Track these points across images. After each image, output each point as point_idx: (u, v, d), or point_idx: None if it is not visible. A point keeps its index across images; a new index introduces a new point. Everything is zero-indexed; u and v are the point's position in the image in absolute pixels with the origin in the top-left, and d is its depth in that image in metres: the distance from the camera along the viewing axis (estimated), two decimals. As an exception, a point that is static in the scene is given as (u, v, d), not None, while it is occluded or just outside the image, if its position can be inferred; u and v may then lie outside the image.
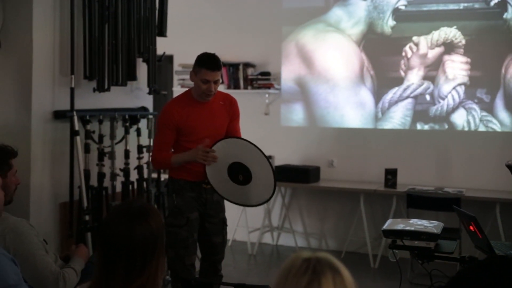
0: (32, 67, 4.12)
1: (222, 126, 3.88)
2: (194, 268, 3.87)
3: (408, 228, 3.41)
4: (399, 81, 6.44)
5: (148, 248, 1.80)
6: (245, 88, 6.93)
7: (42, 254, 2.68)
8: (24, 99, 4.14)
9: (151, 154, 3.88)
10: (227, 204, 6.95)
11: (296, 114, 6.90)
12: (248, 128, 7.03)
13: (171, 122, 3.76)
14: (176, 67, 7.23)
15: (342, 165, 6.71)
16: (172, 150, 3.89)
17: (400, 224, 3.54)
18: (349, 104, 6.65)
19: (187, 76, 7.08)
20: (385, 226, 3.51)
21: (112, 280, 1.76)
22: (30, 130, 4.13)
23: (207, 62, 3.68)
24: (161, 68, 7.34)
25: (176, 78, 7.23)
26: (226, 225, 4.02)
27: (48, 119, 4.27)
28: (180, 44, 7.02)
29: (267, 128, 6.98)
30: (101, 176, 4.47)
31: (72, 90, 4.28)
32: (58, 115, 4.30)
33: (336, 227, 6.73)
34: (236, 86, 6.94)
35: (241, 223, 6.74)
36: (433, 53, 6.30)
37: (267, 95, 6.96)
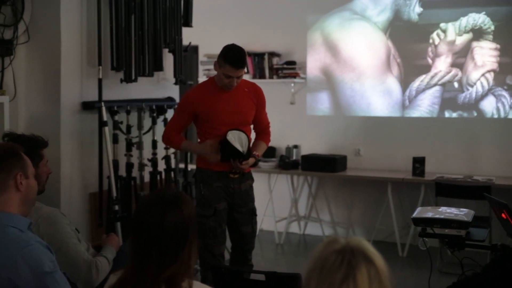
0: (60, 59, 4.15)
1: (248, 113, 3.87)
2: (223, 258, 3.88)
3: (438, 216, 3.39)
4: (427, 68, 6.37)
5: (180, 235, 1.80)
6: (271, 77, 6.91)
7: (74, 243, 2.71)
8: (53, 91, 4.17)
9: (164, 130, 4.04)
10: (255, 194, 6.97)
11: (322, 103, 6.87)
12: (274, 118, 6.99)
13: (188, 107, 3.82)
14: (201, 57, 7.24)
15: (369, 154, 6.66)
16: (198, 140, 3.91)
17: (429, 212, 3.51)
18: (375, 93, 6.59)
19: (212, 66, 7.12)
20: (414, 214, 3.48)
21: (145, 268, 1.77)
22: (59, 121, 4.16)
23: (232, 59, 3.66)
24: (187, 58, 7.36)
25: (201, 68, 7.24)
26: (256, 215, 4.01)
27: (77, 110, 4.30)
28: (205, 34, 7.01)
29: (293, 118, 6.96)
30: (129, 166, 4.49)
31: (100, 81, 4.30)
32: (87, 106, 4.33)
33: (363, 216, 6.70)
34: (262, 76, 6.93)
35: (268, 212, 6.75)
36: (461, 40, 6.22)
37: (292, 85, 6.94)
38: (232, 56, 3.68)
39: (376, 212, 6.46)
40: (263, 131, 4.05)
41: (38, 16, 4.18)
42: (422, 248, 3.47)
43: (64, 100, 4.19)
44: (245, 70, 3.80)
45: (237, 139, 3.73)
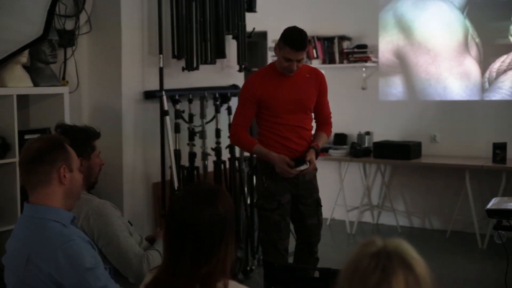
0: (121, 48, 4.13)
1: (309, 99, 3.68)
2: (287, 252, 3.73)
3: (516, 207, 3.12)
4: (508, 48, 5.97)
5: (216, 232, 1.69)
6: (341, 62, 6.69)
7: (125, 236, 2.65)
8: (115, 80, 4.16)
9: (231, 127, 3.71)
10: (325, 182, 6.82)
11: (395, 88, 6.60)
12: (345, 104, 6.85)
13: (252, 95, 3.60)
14: (270, 43, 7.10)
15: (445, 140, 6.35)
16: (259, 130, 3.75)
17: (506, 203, 3.25)
18: (452, 75, 6.27)
19: (281, 52, 6.98)
20: (489, 205, 3.24)
21: (179, 266, 1.67)
22: (121, 111, 4.15)
23: (292, 41, 3.48)
24: (256, 45, 7.25)
25: (270, 54, 7.10)
26: (321, 206, 3.83)
27: (139, 100, 4.27)
28: (273, 19, 6.86)
29: (365, 103, 6.73)
30: (192, 155, 4.43)
31: (161, 69, 4.25)
32: (148, 96, 4.29)
33: (440, 206, 6.39)
34: (332, 61, 6.73)
35: (339, 201, 6.56)
36: (546, 16, 5.79)
37: (364, 69, 6.69)
38: (292, 37, 3.50)
39: (453, 201, 6.15)
40: (324, 121, 3.84)
41: (100, 6, 4.18)
42: (498, 241, 3.22)
43: (125, 90, 4.17)
44: (304, 58, 3.61)
45: None
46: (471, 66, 6.16)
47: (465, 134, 6.23)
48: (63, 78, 3.98)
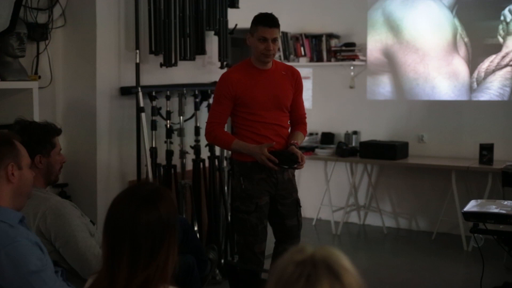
0: (96, 42, 4.03)
1: (285, 97, 3.58)
2: (264, 256, 3.63)
3: (492, 210, 3.03)
4: (497, 48, 5.88)
5: (155, 236, 1.60)
6: (329, 60, 6.60)
7: (84, 237, 2.56)
8: (89, 76, 4.06)
9: (206, 125, 3.56)
10: (311, 182, 6.72)
11: (383, 87, 6.50)
12: (332, 102, 6.76)
13: (228, 91, 3.49)
14: (257, 40, 6.99)
15: (433, 140, 6.26)
16: (234, 128, 3.66)
17: (486, 206, 3.16)
18: (440, 75, 6.18)
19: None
20: (466, 208, 3.15)
21: (117, 272, 1.58)
22: (95, 107, 4.05)
23: (263, 19, 3.44)
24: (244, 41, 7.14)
25: (257, 52, 7.00)
26: (300, 206, 3.73)
27: (114, 96, 4.18)
28: (261, 16, 6.79)
29: (353, 102, 6.64)
30: (169, 153, 4.34)
31: (137, 65, 4.15)
32: (124, 92, 4.20)
33: (426, 207, 6.31)
34: (319, 59, 6.64)
35: (326, 201, 6.48)
36: (535, 16, 5.70)
37: (352, 67, 6.60)
38: (263, 16, 3.48)
39: (440, 202, 6.07)
40: (300, 120, 3.71)
41: (74, 0, 4.08)
42: (475, 245, 3.13)
43: (100, 86, 4.07)
44: (279, 40, 3.52)
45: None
46: (460, 66, 6.08)
47: (452, 134, 6.14)
48: (35, 73, 3.88)
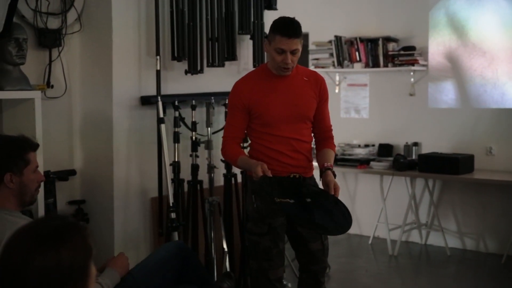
0: (112, 48, 3.74)
1: (307, 107, 3.12)
2: (281, 283, 3.20)
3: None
4: None
5: (51, 287, 1.23)
6: (386, 65, 6.09)
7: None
8: (105, 84, 3.77)
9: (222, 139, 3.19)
10: (367, 197, 6.22)
11: (447, 94, 5.94)
12: (390, 111, 6.25)
13: (240, 101, 3.08)
14: (310, 46, 6.57)
15: (502, 152, 5.64)
16: (249, 151, 3.24)
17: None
18: (511, 80, 5.56)
19: (322, 55, 6.45)
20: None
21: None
22: (111, 118, 3.76)
23: (281, 27, 2.96)
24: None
25: (310, 57, 6.58)
26: None
27: (134, 106, 3.87)
28: (314, 20, 6.38)
29: (413, 111, 6.11)
30: (194, 168, 3.99)
31: (158, 72, 3.83)
32: (145, 101, 3.89)
33: (495, 226, 5.68)
34: (376, 64, 6.14)
35: (382, 219, 5.96)
36: None
37: (412, 73, 6.07)
38: (282, 24, 2.99)
39: (511, 221, 5.45)
40: (326, 134, 3.23)
41: (91, 3, 3.81)
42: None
43: (117, 95, 3.77)
44: (300, 50, 3.06)
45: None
46: (533, 69, 5.44)
47: (525, 146, 5.51)
48: (48, 82, 3.63)
